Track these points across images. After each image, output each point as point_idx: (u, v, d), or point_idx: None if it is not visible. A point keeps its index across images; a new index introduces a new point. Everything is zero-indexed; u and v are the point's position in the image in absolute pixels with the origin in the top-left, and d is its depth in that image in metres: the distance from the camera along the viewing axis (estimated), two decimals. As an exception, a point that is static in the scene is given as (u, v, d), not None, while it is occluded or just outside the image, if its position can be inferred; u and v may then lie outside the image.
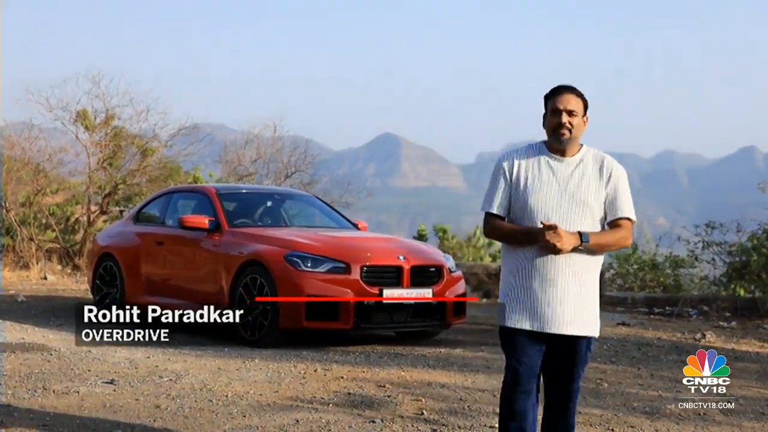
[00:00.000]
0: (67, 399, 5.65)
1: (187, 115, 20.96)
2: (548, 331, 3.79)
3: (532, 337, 3.83)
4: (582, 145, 3.93)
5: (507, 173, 3.90)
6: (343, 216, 10.24)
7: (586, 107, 3.89)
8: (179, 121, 19.04)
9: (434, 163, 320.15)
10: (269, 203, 9.89)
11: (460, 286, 8.75)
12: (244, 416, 5.33)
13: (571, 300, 3.79)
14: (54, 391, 5.84)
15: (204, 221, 8.86)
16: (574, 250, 3.76)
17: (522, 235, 3.82)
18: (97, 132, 17.86)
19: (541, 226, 3.74)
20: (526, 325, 3.81)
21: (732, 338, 10.18)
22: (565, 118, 3.81)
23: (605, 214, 3.89)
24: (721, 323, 11.72)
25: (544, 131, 3.93)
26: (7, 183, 16.77)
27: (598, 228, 3.86)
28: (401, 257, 8.28)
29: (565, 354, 3.87)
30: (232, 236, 8.69)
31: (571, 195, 3.82)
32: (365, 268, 8.08)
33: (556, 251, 3.72)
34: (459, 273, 8.92)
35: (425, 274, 8.41)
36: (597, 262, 3.87)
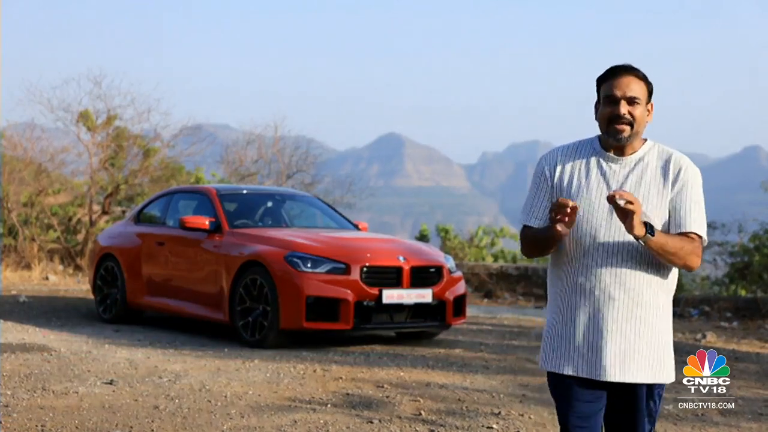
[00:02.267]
0: (67, 399, 5.66)
1: (190, 115, 20.98)
2: (597, 378, 2.99)
3: (583, 384, 3.05)
4: (646, 139, 3.08)
5: (549, 176, 3.10)
6: (344, 216, 10.25)
7: (650, 93, 3.02)
8: (181, 122, 19.13)
9: (438, 163, 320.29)
10: (270, 204, 9.90)
11: (460, 287, 8.76)
12: (243, 416, 5.34)
13: (624, 337, 2.99)
14: (53, 392, 5.85)
15: (204, 222, 8.86)
16: (629, 265, 2.98)
17: (546, 230, 2.98)
18: (99, 132, 17.90)
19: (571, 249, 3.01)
20: (569, 370, 3.03)
21: (733, 338, 10.17)
22: (624, 109, 2.95)
23: (668, 226, 3.01)
24: (723, 323, 11.71)
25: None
26: (10, 183, 16.79)
27: None
28: (401, 258, 8.28)
29: (624, 405, 3.07)
30: (233, 237, 8.70)
31: None
32: (365, 269, 8.08)
33: (628, 214, 2.81)
34: (459, 273, 8.93)
35: (425, 275, 8.41)
36: (666, 286, 3.10)
